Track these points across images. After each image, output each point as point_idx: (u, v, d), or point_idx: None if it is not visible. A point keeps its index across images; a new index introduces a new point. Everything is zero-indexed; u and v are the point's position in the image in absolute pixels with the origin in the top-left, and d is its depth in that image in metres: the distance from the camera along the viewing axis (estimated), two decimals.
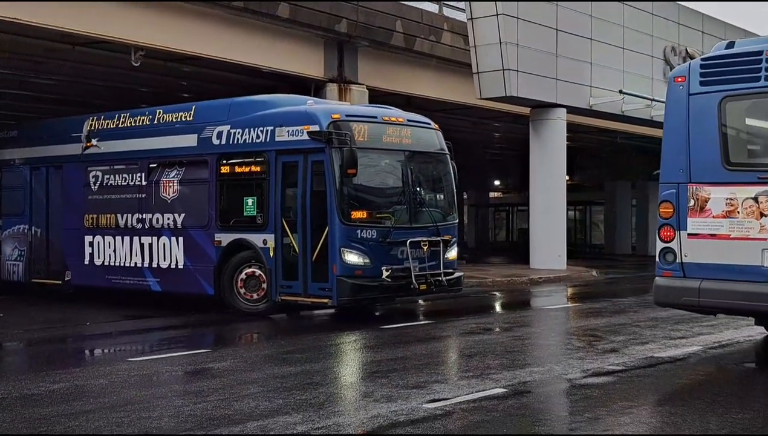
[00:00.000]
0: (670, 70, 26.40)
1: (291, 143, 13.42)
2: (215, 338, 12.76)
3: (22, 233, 17.60)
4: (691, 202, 9.40)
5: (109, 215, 15.94)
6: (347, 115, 13.43)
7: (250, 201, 14.02)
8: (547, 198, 24.43)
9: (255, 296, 13.93)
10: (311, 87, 20.87)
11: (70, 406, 7.53)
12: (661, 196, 9.63)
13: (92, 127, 16.49)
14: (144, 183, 15.46)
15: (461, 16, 23.40)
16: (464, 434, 6.68)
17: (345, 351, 11.03)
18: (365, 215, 13.19)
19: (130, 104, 19.67)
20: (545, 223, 24.51)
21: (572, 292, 19.98)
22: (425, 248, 13.50)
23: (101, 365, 10.24)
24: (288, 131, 13.47)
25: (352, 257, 12.85)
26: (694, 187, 9.40)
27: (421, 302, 16.26)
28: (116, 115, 16.23)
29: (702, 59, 9.64)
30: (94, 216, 16.18)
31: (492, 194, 51.69)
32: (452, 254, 14.18)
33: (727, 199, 9.17)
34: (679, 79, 9.61)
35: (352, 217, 12.98)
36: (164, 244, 15.09)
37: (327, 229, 12.93)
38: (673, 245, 9.50)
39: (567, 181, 26.83)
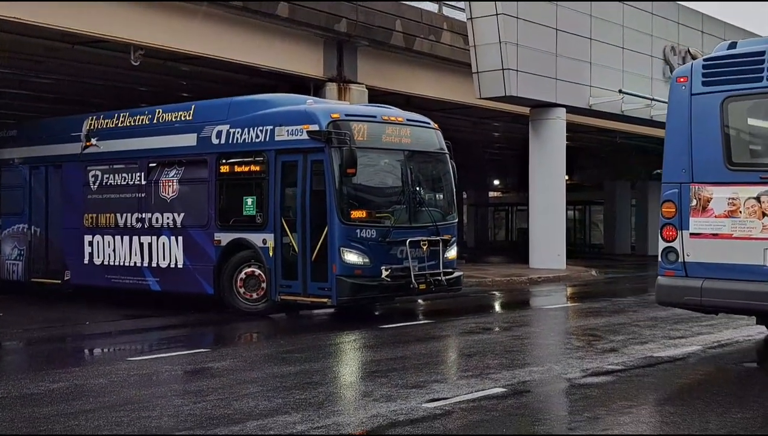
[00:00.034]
0: (670, 70, 26.64)
1: (290, 143, 13.42)
2: (215, 337, 12.75)
3: (21, 232, 17.60)
4: (694, 202, 9.43)
5: (108, 215, 15.94)
6: (347, 115, 13.43)
7: (249, 200, 14.02)
8: (547, 198, 24.43)
9: (254, 295, 13.93)
10: (310, 86, 20.87)
11: (70, 405, 7.53)
12: (664, 195, 9.66)
13: (91, 127, 16.48)
14: (143, 182, 15.46)
15: (461, 16, 23.40)
16: (464, 434, 6.68)
17: (344, 351, 11.03)
18: (365, 215, 13.18)
19: (129, 103, 19.67)
20: (545, 222, 24.51)
21: (571, 291, 19.98)
22: (425, 247, 13.50)
23: (101, 364, 10.24)
24: (287, 131, 13.47)
25: (352, 257, 12.85)
26: (697, 187, 9.42)
27: (420, 301, 16.26)
28: (115, 115, 16.23)
29: (704, 59, 9.66)
30: (94, 215, 16.18)
31: (491, 194, 51.71)
32: (452, 253, 14.18)
33: (729, 199, 9.20)
34: (682, 80, 9.64)
35: (352, 216, 12.98)
36: (164, 243, 15.09)
37: (326, 228, 12.93)
38: (676, 244, 9.53)
39: (566, 180, 26.82)
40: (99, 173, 16.18)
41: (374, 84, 22.06)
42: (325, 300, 13.16)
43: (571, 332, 12.67)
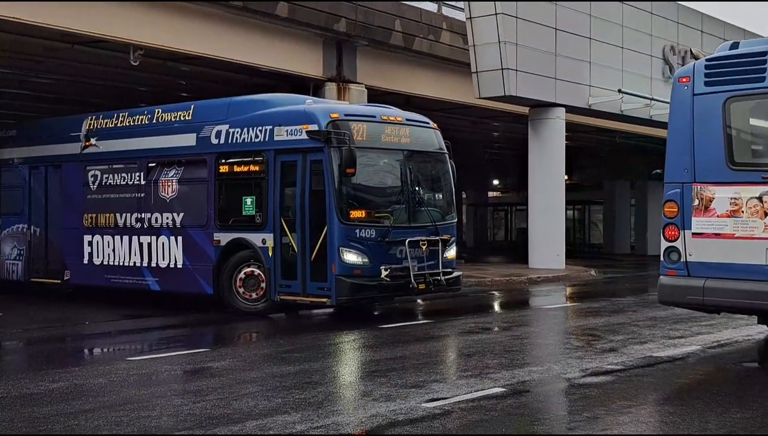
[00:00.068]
0: (669, 70, 26.67)
1: (290, 143, 13.42)
2: (214, 337, 12.76)
3: (21, 232, 17.60)
4: (696, 202, 9.46)
5: (108, 215, 15.94)
6: (346, 115, 13.43)
7: (248, 200, 14.02)
8: (546, 197, 24.43)
9: (254, 295, 13.93)
10: (310, 86, 20.87)
11: (70, 405, 7.54)
12: (666, 195, 9.70)
13: (91, 127, 16.48)
14: (143, 182, 15.46)
15: (460, 16, 23.41)
16: (463, 434, 6.69)
17: (344, 350, 11.04)
18: (364, 215, 13.18)
19: (128, 103, 19.68)
20: (544, 222, 24.51)
21: (571, 291, 19.98)
22: (424, 247, 13.50)
23: (100, 364, 10.25)
24: (287, 131, 13.47)
25: (351, 257, 12.85)
26: (699, 186, 9.46)
27: (419, 301, 16.27)
28: (115, 115, 16.23)
29: (707, 60, 9.70)
30: (93, 215, 16.18)
31: (491, 194, 51.70)
32: (451, 253, 14.19)
33: (731, 198, 9.23)
34: (684, 80, 9.67)
35: (351, 216, 12.98)
36: (163, 243, 15.09)
37: (326, 228, 12.93)
38: (678, 244, 9.57)
39: (566, 180, 26.82)
40: (98, 173, 16.19)
41: (374, 84, 22.07)
42: (324, 300, 13.16)
43: (571, 332, 12.67)
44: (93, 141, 16.35)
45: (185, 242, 14.78)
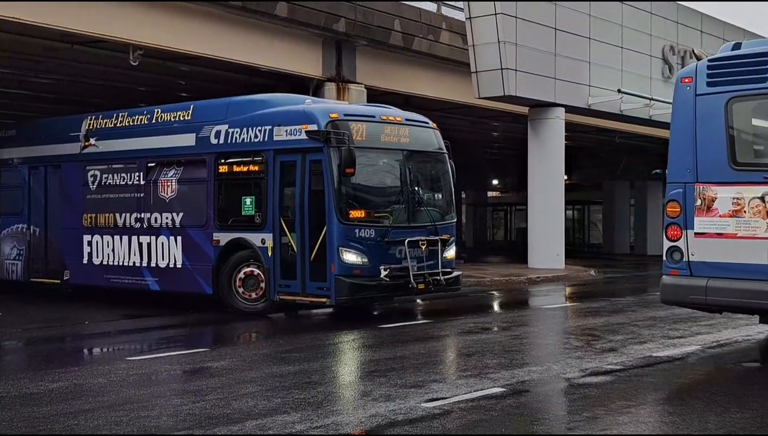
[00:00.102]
0: (669, 70, 26.68)
1: (289, 143, 13.42)
2: (214, 337, 12.76)
3: (20, 232, 17.60)
4: (698, 202, 9.48)
5: (107, 215, 15.94)
6: (345, 115, 13.43)
7: (248, 200, 14.02)
8: (546, 197, 24.43)
9: (253, 295, 13.93)
10: (309, 86, 20.88)
11: (69, 405, 7.54)
12: (668, 195, 9.72)
13: (90, 127, 16.48)
14: (142, 182, 15.46)
15: (460, 16, 23.40)
16: (462, 434, 6.69)
17: (343, 350, 11.04)
18: (363, 215, 13.19)
19: (128, 103, 19.67)
20: (543, 222, 24.51)
21: (570, 291, 19.99)
22: (423, 247, 13.50)
23: (100, 364, 10.24)
24: (286, 131, 13.47)
25: (351, 257, 12.85)
26: (701, 186, 9.48)
27: (419, 301, 16.27)
28: (114, 115, 16.23)
29: (709, 60, 9.72)
30: (93, 215, 16.18)
31: (490, 194, 51.70)
32: (450, 253, 14.18)
33: (733, 198, 9.26)
34: (686, 80, 9.69)
35: (351, 216, 12.98)
36: (163, 243, 15.09)
37: (325, 228, 12.94)
38: (680, 243, 9.59)
39: (565, 180, 26.82)
40: (98, 173, 16.19)
41: (373, 84, 22.07)
42: (323, 300, 13.16)
43: (570, 332, 12.67)
44: (92, 141, 16.36)
45: (185, 241, 14.78)
